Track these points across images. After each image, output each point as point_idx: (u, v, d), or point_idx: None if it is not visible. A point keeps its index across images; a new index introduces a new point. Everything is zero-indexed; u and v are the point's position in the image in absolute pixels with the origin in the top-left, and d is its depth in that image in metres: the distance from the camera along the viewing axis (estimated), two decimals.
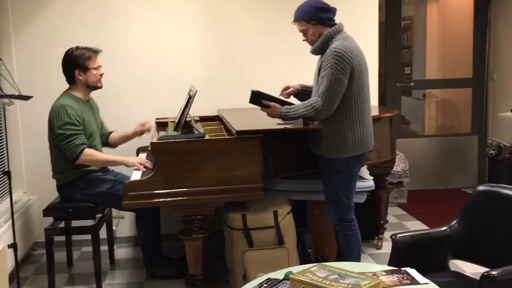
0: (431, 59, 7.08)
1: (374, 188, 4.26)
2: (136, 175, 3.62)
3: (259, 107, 3.56)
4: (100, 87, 4.00)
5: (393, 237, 2.92)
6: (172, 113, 4.62)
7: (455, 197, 6.18)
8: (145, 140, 4.59)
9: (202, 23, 4.85)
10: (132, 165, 3.77)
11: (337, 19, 3.52)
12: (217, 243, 4.24)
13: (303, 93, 3.78)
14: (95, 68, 3.91)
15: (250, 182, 3.44)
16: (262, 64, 4.93)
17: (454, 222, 3.07)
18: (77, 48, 3.90)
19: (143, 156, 4.10)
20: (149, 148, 3.53)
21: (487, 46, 6.32)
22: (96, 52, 3.93)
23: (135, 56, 4.76)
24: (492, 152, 5.81)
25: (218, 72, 4.90)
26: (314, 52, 3.57)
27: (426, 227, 5.11)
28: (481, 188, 3.03)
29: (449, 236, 3.02)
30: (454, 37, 6.81)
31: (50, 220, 3.97)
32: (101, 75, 3.96)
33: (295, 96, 3.80)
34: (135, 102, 4.79)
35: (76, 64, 3.85)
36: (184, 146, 3.37)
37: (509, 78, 6.01)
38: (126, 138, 4.30)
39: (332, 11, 3.51)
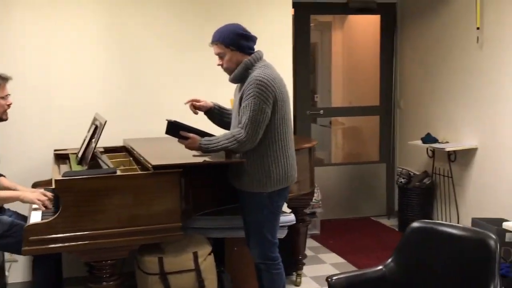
0: (337, 86, 7.11)
1: (295, 222, 4.08)
2: (35, 216, 3.20)
3: (176, 138, 3.29)
4: (5, 119, 3.56)
5: (329, 279, 2.77)
6: (73, 144, 4.23)
7: (366, 226, 6.15)
8: (43, 174, 4.19)
9: (105, 46, 4.49)
10: (30, 202, 3.33)
11: None
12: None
13: (214, 111, 3.55)
14: (2, 97, 3.47)
15: (168, 221, 3.14)
16: (172, 89, 4.64)
17: (389, 260, 2.93)
18: None
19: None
20: (53, 185, 3.12)
21: (394, 74, 6.39)
22: (4, 79, 3.49)
23: (31, 82, 4.32)
24: (402, 180, 5.83)
25: (123, 99, 4.55)
26: (233, 80, 3.39)
27: (343, 260, 5.02)
28: (415, 225, 2.90)
29: (385, 276, 2.87)
30: (360, 64, 6.87)
31: None
32: (8, 105, 3.52)
33: (206, 113, 3.55)
34: (32, 131, 4.34)
35: None
36: (94, 183, 3.01)
37: (415, 106, 6.09)
38: None
39: (252, 39, 3.37)
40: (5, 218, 3.50)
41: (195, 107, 3.49)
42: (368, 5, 6.23)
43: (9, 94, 3.55)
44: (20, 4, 4.28)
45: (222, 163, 3.41)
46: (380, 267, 2.90)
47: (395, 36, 6.36)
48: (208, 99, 4.54)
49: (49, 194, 3.46)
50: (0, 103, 3.47)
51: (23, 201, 3.37)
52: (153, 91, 4.62)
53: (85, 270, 4.02)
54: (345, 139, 7.17)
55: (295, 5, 4.88)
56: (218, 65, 3.38)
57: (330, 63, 7.11)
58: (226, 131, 3.33)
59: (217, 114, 3.54)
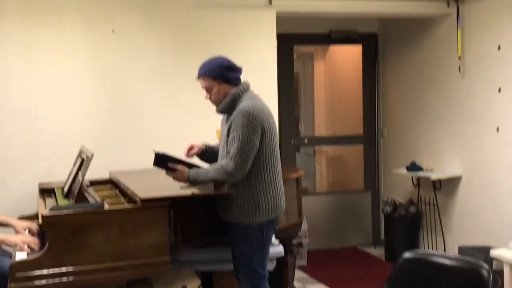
0: (320, 115, 7.14)
1: (283, 253, 4.04)
2: (21, 253, 3.11)
3: (164, 170, 3.26)
4: None
5: None
6: (58, 177, 4.17)
7: (353, 256, 6.12)
8: (29, 207, 4.11)
9: (90, 78, 4.48)
10: (14, 245, 3.23)
11: None
12: None
13: (207, 152, 3.54)
14: None
15: (157, 255, 3.09)
16: (157, 121, 4.63)
17: None
18: None
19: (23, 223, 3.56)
20: (39, 221, 3.06)
21: (377, 103, 6.43)
22: None
23: (15, 112, 4.28)
24: (388, 209, 5.83)
25: (109, 131, 4.52)
26: (221, 111, 3.40)
27: None
28: (407, 255, 2.87)
29: None
30: (343, 93, 6.92)
31: None
32: None
33: (198, 156, 3.53)
34: (16, 164, 4.29)
35: None
36: (81, 219, 2.96)
37: (399, 134, 6.13)
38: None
39: (238, 70, 3.39)
40: None
41: (191, 154, 3.47)
42: (350, 35, 6.30)
43: None
44: (6, 37, 4.26)
45: (211, 195, 3.38)
46: None
47: (377, 66, 6.43)
48: (194, 130, 4.60)
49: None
50: None
51: (7, 244, 3.25)
52: (139, 123, 4.61)
53: None
54: (329, 168, 7.17)
55: (278, 36, 4.92)
56: (206, 98, 3.38)
57: (313, 92, 7.15)
58: (215, 163, 3.31)
59: (210, 154, 3.52)
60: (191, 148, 3.47)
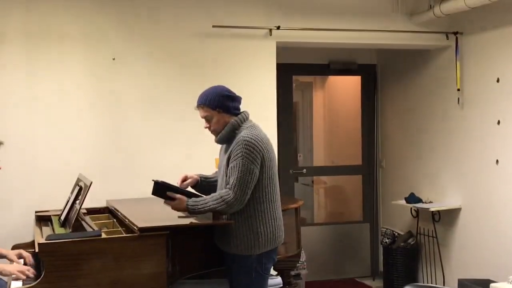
0: (318, 145, 7.13)
1: (282, 285, 4.00)
2: (16, 283, 3.07)
3: (163, 199, 3.26)
4: None
5: None
6: (55, 205, 4.14)
7: None
8: (23, 236, 4.08)
9: (88, 107, 4.48)
10: (9, 274, 3.19)
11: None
12: None
13: (202, 184, 3.53)
14: None
15: (154, 285, 3.05)
16: (155, 149, 4.62)
17: None
18: None
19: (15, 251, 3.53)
20: (36, 249, 3.02)
21: (376, 133, 6.44)
22: None
23: (13, 139, 4.25)
24: (387, 240, 5.79)
25: (106, 159, 4.51)
26: (220, 141, 3.39)
27: None
28: None
29: None
30: (342, 123, 6.92)
31: None
32: None
33: (193, 187, 3.52)
34: (12, 192, 4.26)
35: None
36: (78, 247, 2.92)
37: (398, 166, 6.12)
38: None
39: (238, 100, 3.39)
40: None
41: (185, 186, 3.45)
42: (349, 66, 6.34)
43: None
44: (7, 63, 4.28)
45: (209, 225, 3.34)
46: None
47: (376, 96, 6.45)
48: (192, 159, 4.58)
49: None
50: None
51: (2, 274, 3.22)
52: (137, 151, 4.59)
53: None
54: (327, 198, 7.14)
55: (278, 66, 4.94)
56: (206, 128, 3.37)
57: (311, 122, 7.15)
58: (214, 193, 3.28)
59: (205, 186, 3.52)
60: (184, 179, 3.46)
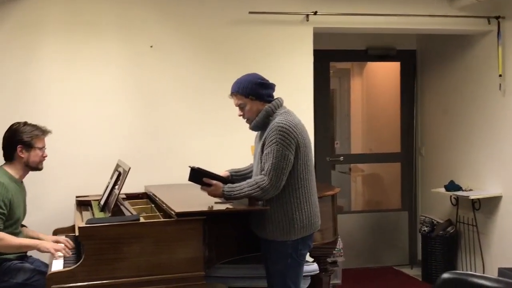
0: (356, 132, 7.07)
1: (318, 271, 3.99)
2: (57, 264, 3.16)
3: (199, 186, 3.27)
4: (40, 169, 3.63)
5: None
6: (94, 190, 4.22)
7: (388, 275, 6.01)
8: (64, 220, 4.17)
9: (126, 93, 4.53)
10: (46, 251, 3.30)
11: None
12: None
13: (233, 179, 3.52)
14: (40, 148, 3.55)
15: (191, 270, 3.08)
16: (191, 136, 4.65)
17: None
18: (25, 123, 3.56)
19: (52, 237, 3.68)
20: (76, 232, 3.08)
21: (415, 120, 6.35)
22: (45, 132, 3.60)
23: (54, 127, 4.26)
24: (425, 229, 5.72)
25: (145, 146, 4.55)
26: (254, 128, 3.39)
27: None
28: (446, 276, 2.80)
29: None
30: (380, 110, 6.84)
31: None
32: (44, 156, 3.60)
33: None
34: (54, 177, 4.33)
35: (21, 140, 3.48)
36: (117, 231, 2.97)
37: (437, 153, 6.03)
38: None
39: (271, 87, 3.37)
40: (27, 265, 3.47)
41: None
42: (387, 52, 6.25)
43: (45, 147, 3.61)
44: (47, 54, 4.35)
45: (245, 211, 3.35)
46: None
47: (416, 83, 6.35)
48: (229, 146, 4.60)
49: (68, 242, 3.44)
50: (37, 153, 3.54)
51: (40, 250, 3.33)
52: (174, 138, 4.63)
53: None
54: (365, 186, 7.08)
55: (314, 52, 4.90)
56: (239, 115, 3.39)
57: (349, 109, 7.09)
58: (249, 179, 3.29)
59: (238, 180, 3.49)
60: None
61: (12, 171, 3.52)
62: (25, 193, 3.67)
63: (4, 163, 3.55)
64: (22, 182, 3.63)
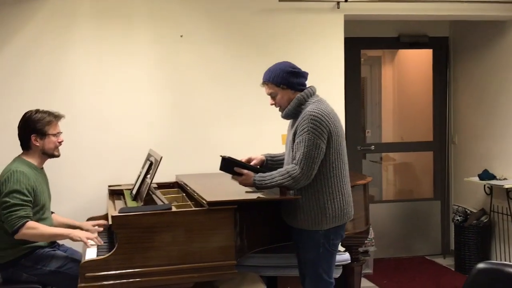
0: (387, 121, 6.99)
1: (350, 261, 3.97)
2: (91, 253, 3.19)
3: (229, 175, 3.27)
4: (57, 156, 3.61)
5: None
6: (126, 179, 4.26)
7: (421, 265, 5.95)
8: (97, 209, 4.22)
9: (157, 83, 4.54)
10: (78, 240, 3.32)
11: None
12: None
13: (268, 163, 3.51)
14: (54, 135, 3.53)
15: (223, 259, 3.08)
16: (222, 126, 4.64)
17: None
18: (37, 111, 3.53)
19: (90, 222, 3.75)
20: (109, 221, 3.11)
21: (447, 109, 6.25)
22: (57, 117, 3.57)
23: (86, 117, 4.38)
24: (458, 218, 5.64)
25: (175, 135, 4.56)
26: (286, 116, 3.36)
27: None
28: (481, 266, 2.75)
29: None
30: (412, 99, 6.75)
31: None
32: (60, 142, 3.58)
33: (260, 167, 3.49)
34: (86, 167, 4.38)
35: (34, 128, 3.47)
36: (149, 220, 2.99)
37: (471, 141, 5.93)
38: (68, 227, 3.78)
39: (303, 75, 3.33)
40: (60, 253, 3.51)
41: None
42: (419, 39, 6.16)
43: (61, 132, 3.61)
44: (75, 42, 4.37)
45: (277, 200, 3.34)
46: None
47: (448, 70, 6.24)
48: (260, 135, 4.59)
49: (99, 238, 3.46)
50: (52, 140, 3.52)
51: (72, 239, 3.35)
52: (205, 128, 4.63)
53: None
54: (396, 175, 7.01)
55: (345, 40, 4.85)
56: (271, 104, 3.36)
57: (380, 97, 7.00)
58: (280, 168, 3.27)
59: (272, 165, 3.50)
60: (249, 161, 3.44)
61: (30, 159, 3.52)
62: (46, 179, 3.67)
63: (22, 152, 3.56)
64: (42, 168, 3.63)
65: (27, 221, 3.26)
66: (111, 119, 4.45)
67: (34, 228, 3.28)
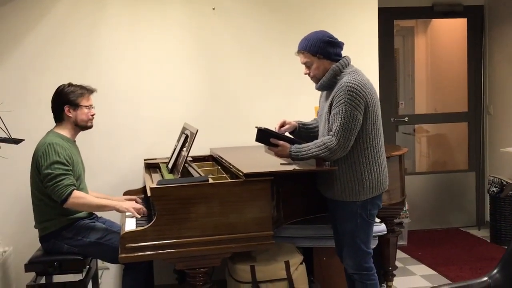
0: (420, 92, 6.91)
1: (386, 232, 3.96)
2: (130, 224, 3.25)
3: (263, 147, 3.27)
4: (90, 127, 3.65)
5: None
6: (161, 153, 4.30)
7: (455, 237, 5.92)
8: (133, 183, 4.28)
9: (191, 57, 4.54)
10: (126, 211, 3.38)
11: None
12: None
13: (300, 131, 3.49)
14: (86, 107, 3.58)
15: (260, 229, 3.09)
16: (255, 99, 4.63)
17: (494, 271, 2.77)
18: (70, 84, 3.60)
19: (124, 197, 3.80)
20: (148, 193, 3.14)
21: (482, 79, 6.14)
22: (89, 91, 3.63)
23: (121, 92, 4.42)
24: (494, 189, 5.58)
25: (209, 109, 4.57)
26: (321, 88, 3.32)
27: (432, 271, 4.85)
28: None
29: (490, 287, 2.71)
30: (446, 69, 6.66)
31: (25, 275, 3.55)
32: (92, 115, 3.63)
33: (291, 133, 3.49)
34: (122, 141, 4.43)
35: (67, 100, 3.53)
36: (187, 191, 3.01)
37: (506, 112, 5.83)
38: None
39: (340, 45, 3.27)
40: (100, 225, 3.58)
41: (282, 131, 3.44)
42: (453, 8, 6.05)
43: (93, 106, 3.65)
44: (108, 19, 4.39)
45: (313, 171, 3.33)
46: (485, 278, 2.75)
47: (483, 40, 6.13)
48: (293, 107, 4.58)
49: (141, 202, 3.53)
50: (84, 112, 3.57)
51: (119, 210, 3.41)
52: (238, 100, 4.62)
53: (174, 278, 4.09)
54: (430, 147, 6.95)
55: (379, 10, 4.77)
56: (305, 74, 3.33)
57: (413, 68, 6.92)
58: (316, 140, 3.26)
59: (303, 133, 3.48)
60: (283, 124, 3.43)
61: (63, 131, 3.57)
62: (79, 152, 3.72)
63: (55, 126, 3.61)
64: (74, 141, 3.68)
65: (74, 189, 3.33)
66: (145, 94, 4.48)
67: (81, 197, 3.35)
